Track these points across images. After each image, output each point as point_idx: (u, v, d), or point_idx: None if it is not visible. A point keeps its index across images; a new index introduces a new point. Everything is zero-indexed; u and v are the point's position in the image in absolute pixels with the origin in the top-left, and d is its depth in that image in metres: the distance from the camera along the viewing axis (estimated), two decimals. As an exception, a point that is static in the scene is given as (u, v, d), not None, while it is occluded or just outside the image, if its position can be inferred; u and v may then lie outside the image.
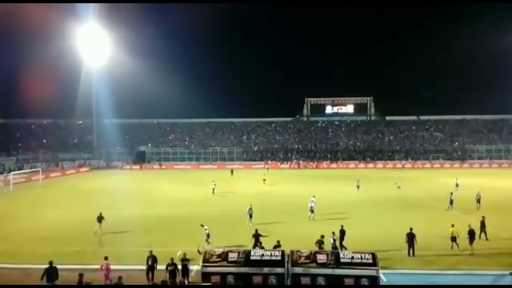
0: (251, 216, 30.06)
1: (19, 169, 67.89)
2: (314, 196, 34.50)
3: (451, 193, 36.75)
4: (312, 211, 31.82)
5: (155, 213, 35.66)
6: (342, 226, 24.06)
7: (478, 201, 35.34)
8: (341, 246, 23.03)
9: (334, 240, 22.65)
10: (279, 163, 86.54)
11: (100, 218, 28.74)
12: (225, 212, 35.69)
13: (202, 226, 24.65)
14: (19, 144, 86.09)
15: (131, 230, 29.25)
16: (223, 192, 47.91)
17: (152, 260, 19.27)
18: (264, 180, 55.80)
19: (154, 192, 49.63)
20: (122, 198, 44.59)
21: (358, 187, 47.46)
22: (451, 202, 35.58)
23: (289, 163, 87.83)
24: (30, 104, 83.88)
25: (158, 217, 34.10)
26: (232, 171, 70.83)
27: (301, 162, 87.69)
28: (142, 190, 51.90)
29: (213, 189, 47.67)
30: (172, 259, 18.65)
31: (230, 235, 26.32)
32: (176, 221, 32.76)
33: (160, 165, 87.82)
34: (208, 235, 23.99)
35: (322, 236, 22.45)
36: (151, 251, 19.52)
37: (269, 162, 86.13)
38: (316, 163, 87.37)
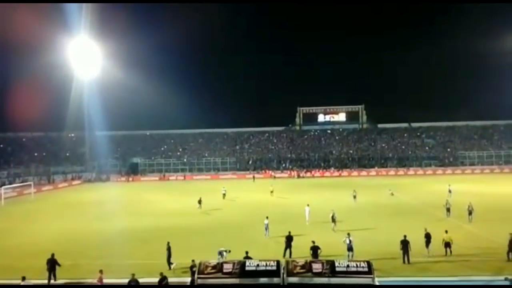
0: (266, 228, 29.22)
1: (11, 183, 67.19)
2: (308, 205, 34.62)
3: (447, 201, 36.33)
4: (334, 221, 31.02)
5: (151, 224, 35.43)
6: (313, 242, 23.01)
7: (470, 213, 33.31)
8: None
9: (350, 241, 23.14)
10: (272, 172, 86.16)
11: (200, 201, 43.03)
12: (233, 223, 35.63)
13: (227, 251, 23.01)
14: (11, 158, 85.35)
15: (126, 242, 29.05)
16: (229, 202, 48.25)
17: (135, 284, 18.08)
18: (272, 191, 53.49)
19: (151, 204, 49.21)
20: (116, 210, 44.35)
21: (354, 197, 46.06)
22: (448, 210, 35.19)
23: (288, 172, 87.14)
24: (21, 118, 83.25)
25: (155, 228, 33.87)
26: (254, 178, 77.59)
27: (301, 171, 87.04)
28: (137, 202, 51.48)
29: (224, 194, 51.02)
30: (161, 273, 18.68)
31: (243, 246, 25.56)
32: (174, 232, 32.45)
33: (164, 176, 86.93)
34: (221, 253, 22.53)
35: (313, 242, 22.76)
36: (133, 275, 18.35)
37: (275, 172, 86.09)
38: (316, 171, 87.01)
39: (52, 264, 21.21)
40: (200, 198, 43.62)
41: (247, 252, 20.40)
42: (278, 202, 47.81)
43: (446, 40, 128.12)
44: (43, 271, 21.16)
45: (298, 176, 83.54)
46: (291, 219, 35.16)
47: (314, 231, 28.84)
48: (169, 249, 22.77)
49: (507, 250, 22.88)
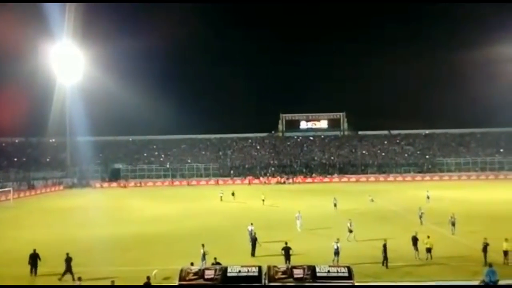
0: (250, 234, 28.63)
1: (-11, 189, 65.89)
2: (299, 212, 34.64)
3: (420, 208, 36.51)
4: (351, 231, 30.02)
5: (133, 231, 35.18)
6: (286, 243, 23.65)
7: (453, 224, 31.40)
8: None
9: (338, 246, 23.73)
10: (260, 179, 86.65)
11: (233, 194, 54.25)
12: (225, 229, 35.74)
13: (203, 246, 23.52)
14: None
15: (108, 249, 28.88)
16: (218, 207, 48.28)
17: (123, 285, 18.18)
18: (263, 200, 51.15)
19: (134, 210, 48.80)
20: (97, 217, 43.93)
21: (335, 205, 45.33)
22: (420, 217, 35.22)
23: (277, 178, 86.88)
24: (0, 123, 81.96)
25: (138, 234, 33.64)
26: (249, 182, 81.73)
27: (282, 177, 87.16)
28: (121, 208, 51.00)
29: (221, 197, 54.14)
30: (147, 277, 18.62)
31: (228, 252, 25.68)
32: (158, 238, 32.39)
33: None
34: (204, 255, 22.90)
35: (286, 243, 23.50)
36: (113, 281, 18.20)
37: (269, 178, 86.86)
38: (298, 177, 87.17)
39: (34, 259, 22.73)
40: (233, 192, 55.51)
41: (215, 259, 20.54)
42: (267, 209, 47.50)
43: (426, 51, 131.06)
44: (20, 278, 20.97)
45: (280, 183, 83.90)
46: (279, 225, 35.56)
47: (301, 237, 29.13)
48: (67, 260, 22.04)
49: (483, 256, 23.50)
